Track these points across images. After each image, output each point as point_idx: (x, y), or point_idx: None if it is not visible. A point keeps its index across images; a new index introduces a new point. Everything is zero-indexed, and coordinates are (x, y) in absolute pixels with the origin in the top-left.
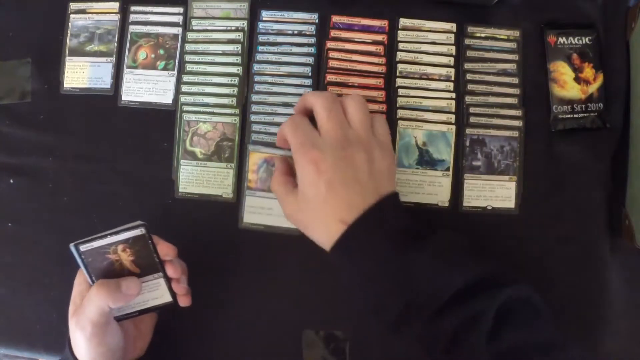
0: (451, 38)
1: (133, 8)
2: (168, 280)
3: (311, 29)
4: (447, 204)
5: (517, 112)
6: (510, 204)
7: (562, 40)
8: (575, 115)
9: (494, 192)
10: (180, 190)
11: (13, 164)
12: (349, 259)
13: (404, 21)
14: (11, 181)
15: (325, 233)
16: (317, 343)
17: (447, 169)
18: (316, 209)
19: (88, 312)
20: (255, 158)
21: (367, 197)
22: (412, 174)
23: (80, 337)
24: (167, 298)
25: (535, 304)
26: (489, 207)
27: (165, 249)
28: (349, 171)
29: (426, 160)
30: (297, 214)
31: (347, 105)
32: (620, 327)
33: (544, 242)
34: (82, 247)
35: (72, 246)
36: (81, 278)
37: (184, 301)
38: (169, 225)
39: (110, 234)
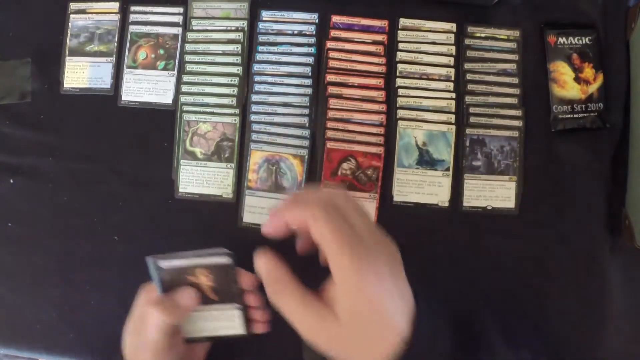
0: (451, 38)
1: (133, 8)
2: (245, 311)
3: (311, 29)
4: (447, 204)
5: (517, 112)
6: (510, 204)
7: (562, 40)
8: (575, 115)
9: (494, 192)
10: (180, 190)
11: (13, 164)
12: None
13: (404, 21)
14: (11, 181)
15: (373, 353)
16: None
17: (447, 169)
18: (363, 321)
19: (149, 333)
20: (256, 157)
21: (411, 304)
22: (412, 174)
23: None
24: (240, 329)
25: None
26: (489, 207)
27: (248, 280)
28: (395, 278)
29: (426, 160)
30: (328, 331)
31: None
32: (620, 327)
33: (544, 242)
34: (161, 263)
35: (150, 260)
36: (143, 296)
37: (261, 328)
38: (169, 225)
39: (194, 256)
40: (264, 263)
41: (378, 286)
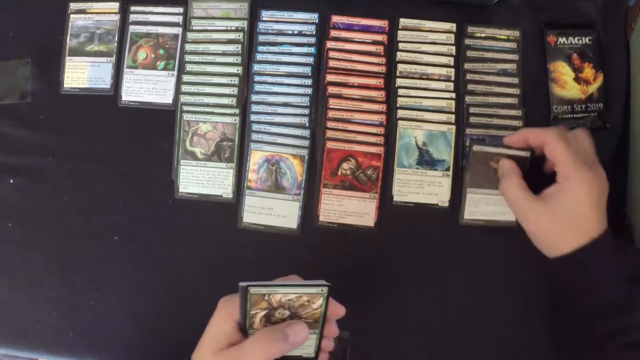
0: (451, 38)
1: (133, 8)
2: (321, 337)
3: (311, 29)
4: (447, 204)
5: (517, 112)
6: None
7: (562, 40)
8: (575, 115)
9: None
10: (180, 190)
11: (13, 164)
12: (584, 270)
13: (404, 21)
14: (11, 181)
15: (567, 242)
16: None
17: (447, 169)
18: (570, 221)
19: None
20: (256, 157)
21: (603, 221)
22: (412, 174)
23: None
24: (311, 353)
25: None
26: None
27: (337, 311)
28: (602, 197)
29: (426, 160)
30: (544, 221)
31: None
32: None
33: None
34: (254, 290)
35: (244, 285)
36: (225, 315)
37: (324, 357)
38: (169, 225)
39: (291, 286)
40: (508, 162)
41: (588, 194)
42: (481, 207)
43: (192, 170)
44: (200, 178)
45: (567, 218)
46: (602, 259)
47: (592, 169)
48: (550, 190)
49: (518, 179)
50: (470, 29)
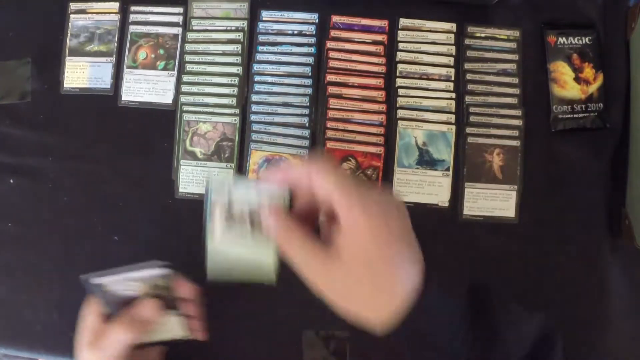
0: (451, 38)
1: (133, 8)
2: (184, 316)
3: (311, 29)
4: (447, 204)
5: (517, 112)
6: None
7: (562, 40)
8: (575, 115)
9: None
10: (180, 190)
11: (13, 164)
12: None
13: (404, 21)
14: (11, 181)
15: (373, 308)
16: (318, 343)
17: (447, 169)
18: (367, 268)
19: (111, 347)
20: (256, 157)
21: (419, 268)
22: (412, 174)
23: None
24: (181, 333)
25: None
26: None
27: (186, 289)
28: (410, 234)
29: (426, 160)
30: (332, 275)
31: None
32: (620, 327)
33: (544, 242)
34: (96, 280)
35: (85, 278)
36: (92, 308)
37: (200, 336)
38: (169, 225)
39: (129, 270)
40: (274, 213)
41: (389, 233)
42: (480, 202)
43: (192, 170)
44: (200, 178)
45: (369, 270)
46: (431, 312)
47: (378, 199)
48: (336, 239)
49: (297, 229)
50: (470, 29)
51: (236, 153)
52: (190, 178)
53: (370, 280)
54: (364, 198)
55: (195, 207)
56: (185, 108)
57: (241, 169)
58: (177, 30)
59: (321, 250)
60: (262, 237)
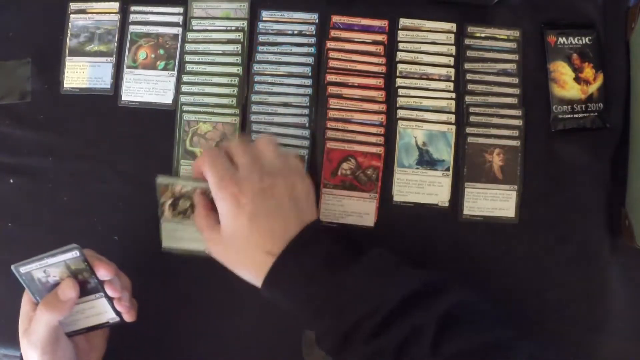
0: (451, 38)
1: (133, 8)
2: (110, 299)
3: (311, 29)
4: (447, 204)
5: (517, 112)
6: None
7: (562, 40)
8: (575, 115)
9: (495, 202)
10: None
11: (13, 164)
12: (282, 291)
13: (404, 21)
14: (11, 181)
15: (253, 268)
16: None
17: (447, 169)
18: (241, 244)
19: (37, 330)
20: None
21: (291, 227)
22: (412, 174)
23: (33, 356)
24: (112, 315)
25: (479, 306)
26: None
27: (103, 270)
28: (269, 202)
29: (426, 160)
30: (222, 251)
31: (257, 143)
32: (620, 327)
33: (544, 242)
34: (22, 269)
35: (13, 268)
36: (26, 298)
37: (128, 318)
38: None
39: (47, 257)
40: (198, 195)
41: (238, 212)
42: (480, 202)
43: (192, 170)
44: None
45: (236, 243)
46: (298, 267)
47: (240, 184)
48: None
49: (203, 210)
50: (470, 29)
51: None
52: None
53: (235, 248)
54: (226, 184)
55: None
56: (185, 108)
57: None
58: (177, 30)
59: (215, 227)
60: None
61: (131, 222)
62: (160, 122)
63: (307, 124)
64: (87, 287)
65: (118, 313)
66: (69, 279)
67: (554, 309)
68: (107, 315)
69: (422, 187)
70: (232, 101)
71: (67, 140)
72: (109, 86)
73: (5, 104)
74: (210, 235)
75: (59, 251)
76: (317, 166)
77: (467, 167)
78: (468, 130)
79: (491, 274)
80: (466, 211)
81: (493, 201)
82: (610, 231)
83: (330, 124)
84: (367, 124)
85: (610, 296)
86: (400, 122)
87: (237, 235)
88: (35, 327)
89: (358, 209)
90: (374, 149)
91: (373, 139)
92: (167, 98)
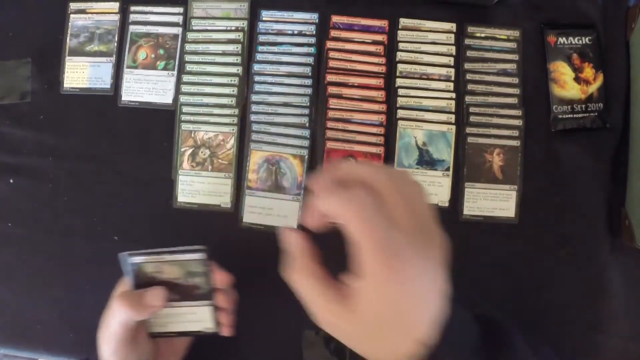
0: (451, 38)
1: (133, 8)
2: (216, 308)
3: (311, 29)
4: (447, 204)
5: (517, 112)
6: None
7: (562, 40)
8: (575, 115)
9: (495, 202)
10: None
11: (13, 164)
12: None
13: (404, 21)
14: (11, 181)
15: (390, 353)
16: (317, 343)
17: (447, 169)
18: (385, 327)
19: (111, 325)
20: (256, 157)
21: (443, 308)
22: (412, 174)
23: (105, 351)
24: (210, 326)
25: None
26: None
27: (222, 278)
28: (428, 276)
29: (426, 160)
30: (352, 333)
31: (408, 186)
32: (620, 327)
33: (544, 242)
34: (134, 259)
35: (122, 256)
36: (121, 289)
37: (227, 331)
38: (168, 225)
39: (166, 252)
40: (294, 236)
41: (406, 293)
42: (480, 202)
43: None
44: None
45: (379, 325)
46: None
47: (405, 258)
48: (353, 286)
49: (310, 264)
50: (470, 29)
51: (236, 153)
52: None
53: (379, 335)
54: (389, 254)
55: (196, 207)
56: (185, 108)
57: (241, 169)
58: (177, 30)
59: (334, 298)
60: None
61: (131, 222)
62: (160, 122)
63: (307, 124)
64: (194, 293)
65: (216, 325)
66: (162, 289)
67: (554, 309)
68: (204, 324)
69: None
70: (232, 101)
71: (67, 140)
72: (109, 86)
73: (5, 104)
74: (324, 301)
75: (182, 249)
76: (317, 166)
77: (467, 167)
78: (468, 130)
79: (491, 274)
80: (466, 211)
81: (493, 201)
82: (610, 231)
83: (330, 124)
84: (367, 124)
85: (610, 296)
86: (400, 122)
87: (382, 317)
88: (109, 322)
89: None
90: (374, 149)
91: (373, 139)
92: (167, 98)
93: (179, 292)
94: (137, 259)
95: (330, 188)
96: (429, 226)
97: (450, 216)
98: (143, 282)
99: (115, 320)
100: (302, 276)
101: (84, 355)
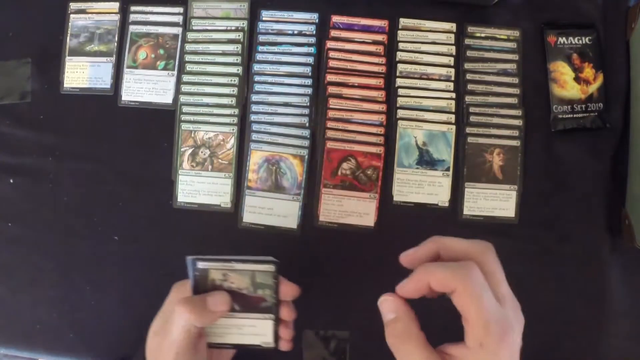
0: (451, 38)
1: (133, 8)
2: (278, 322)
3: (311, 29)
4: (447, 204)
5: (517, 112)
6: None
7: (562, 40)
8: (575, 115)
9: (495, 202)
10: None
11: (13, 164)
12: None
13: (404, 21)
14: (11, 181)
15: None
16: (317, 343)
17: (447, 169)
18: None
19: (173, 332)
20: (256, 157)
21: None
22: (412, 174)
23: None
24: (269, 340)
25: None
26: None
27: (288, 290)
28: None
29: (426, 160)
30: None
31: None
32: (620, 327)
33: (544, 242)
34: (200, 264)
35: (190, 259)
36: (176, 296)
37: (286, 346)
38: (169, 225)
39: (236, 261)
40: (394, 302)
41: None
42: (480, 202)
43: None
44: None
45: None
46: None
47: (505, 329)
48: (455, 355)
49: (414, 328)
50: (470, 29)
51: (236, 153)
52: None
53: None
54: (496, 329)
55: (196, 207)
56: (185, 108)
57: (241, 168)
58: (177, 30)
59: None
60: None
61: (131, 222)
62: (160, 122)
63: (307, 124)
64: (259, 305)
65: (276, 340)
66: (226, 295)
67: (554, 309)
68: (264, 338)
69: (422, 187)
70: (232, 101)
71: (67, 140)
72: (109, 86)
73: (5, 104)
74: None
75: (252, 259)
76: (317, 166)
77: (467, 167)
78: (468, 130)
79: None
80: (466, 211)
81: (493, 201)
82: (610, 231)
83: (330, 124)
84: (367, 123)
85: (610, 296)
86: (400, 122)
87: None
88: (171, 328)
89: (358, 209)
90: (374, 149)
91: (373, 139)
92: (167, 98)
93: (242, 303)
94: (205, 265)
95: (443, 262)
96: (515, 300)
97: (450, 216)
98: (204, 289)
99: (177, 327)
100: (403, 341)
101: (86, 356)
